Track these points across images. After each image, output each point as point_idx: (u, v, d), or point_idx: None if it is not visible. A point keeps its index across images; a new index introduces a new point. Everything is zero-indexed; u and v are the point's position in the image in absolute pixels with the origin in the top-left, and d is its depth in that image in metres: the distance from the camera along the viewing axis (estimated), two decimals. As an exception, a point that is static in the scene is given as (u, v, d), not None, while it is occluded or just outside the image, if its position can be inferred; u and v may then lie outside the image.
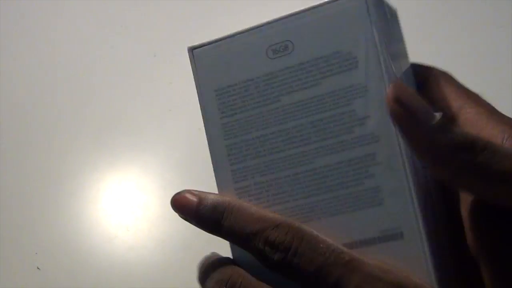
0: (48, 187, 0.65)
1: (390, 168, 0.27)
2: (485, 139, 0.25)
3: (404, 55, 0.32)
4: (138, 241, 0.61)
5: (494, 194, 0.25)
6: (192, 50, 0.32)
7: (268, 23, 0.30)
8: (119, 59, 0.74)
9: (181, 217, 0.29)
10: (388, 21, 0.30)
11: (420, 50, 0.73)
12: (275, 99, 0.29)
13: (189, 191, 0.30)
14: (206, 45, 0.32)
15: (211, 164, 0.30)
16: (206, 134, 0.30)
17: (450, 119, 0.28)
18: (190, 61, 0.31)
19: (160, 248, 0.60)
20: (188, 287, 0.58)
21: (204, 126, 0.30)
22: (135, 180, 0.65)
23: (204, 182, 0.65)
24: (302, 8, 0.29)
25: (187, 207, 0.29)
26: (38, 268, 0.59)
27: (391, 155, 0.27)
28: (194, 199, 0.29)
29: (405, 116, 0.25)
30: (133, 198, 0.64)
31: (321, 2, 0.29)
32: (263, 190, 0.29)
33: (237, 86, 0.30)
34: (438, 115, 0.25)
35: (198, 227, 0.29)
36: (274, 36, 0.29)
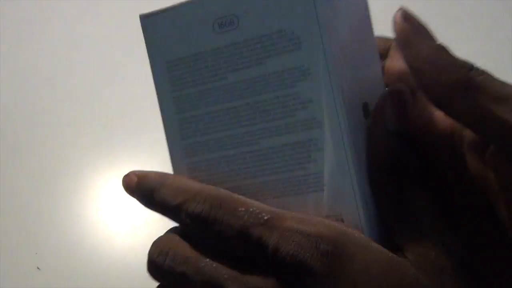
0: (48, 187, 0.65)
1: (331, 155, 0.26)
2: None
3: (372, 54, 0.30)
4: (138, 241, 0.61)
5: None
6: (143, 18, 0.31)
7: None
8: (119, 59, 0.74)
9: (130, 195, 0.31)
10: (344, 11, 0.28)
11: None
12: (222, 76, 0.28)
13: (133, 172, 0.31)
14: (155, 14, 0.30)
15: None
16: (159, 107, 0.29)
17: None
18: (143, 30, 0.31)
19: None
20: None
21: (157, 98, 0.30)
22: (135, 180, 0.65)
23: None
24: None
25: (130, 185, 0.30)
26: (38, 268, 0.60)
27: (333, 141, 0.26)
28: (135, 177, 0.30)
29: (412, 33, 0.25)
30: (133, 198, 0.64)
31: None
32: (212, 167, 0.28)
33: (186, 59, 0.29)
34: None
35: (140, 202, 0.31)
36: (220, 9, 0.28)
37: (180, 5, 0.29)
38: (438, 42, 0.26)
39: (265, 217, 0.25)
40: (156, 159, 0.70)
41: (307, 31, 0.27)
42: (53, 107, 0.71)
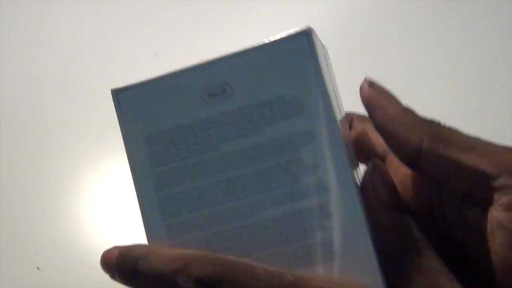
0: (48, 187, 0.65)
1: (343, 220, 0.25)
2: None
3: (338, 95, 0.30)
4: (138, 242, 0.61)
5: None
6: (116, 93, 0.29)
7: (203, 64, 0.27)
8: (119, 59, 0.74)
9: (110, 276, 0.27)
10: (326, 60, 0.28)
11: (419, 51, 0.73)
12: (213, 146, 0.26)
13: (116, 246, 0.28)
14: (132, 87, 0.28)
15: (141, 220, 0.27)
16: (134, 185, 0.27)
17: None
18: (115, 105, 0.29)
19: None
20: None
21: (132, 176, 0.27)
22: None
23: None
24: (240, 48, 0.27)
25: (109, 261, 0.27)
26: (38, 268, 0.60)
27: (344, 206, 0.25)
28: (115, 251, 0.27)
29: (379, 97, 0.26)
30: (133, 198, 0.64)
31: (261, 42, 0.27)
32: (202, 246, 0.26)
33: (169, 133, 0.27)
34: None
35: (122, 283, 0.27)
36: (210, 78, 0.27)
37: (165, 77, 0.28)
38: (403, 104, 0.27)
39: (290, 278, 0.23)
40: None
41: (309, 95, 0.26)
42: (53, 107, 0.71)
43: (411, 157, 0.26)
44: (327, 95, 0.26)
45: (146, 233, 0.28)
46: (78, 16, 0.79)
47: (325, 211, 0.25)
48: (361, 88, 0.27)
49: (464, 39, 0.71)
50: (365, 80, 0.27)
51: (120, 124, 0.28)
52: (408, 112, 0.27)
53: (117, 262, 0.27)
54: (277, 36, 0.27)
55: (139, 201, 0.28)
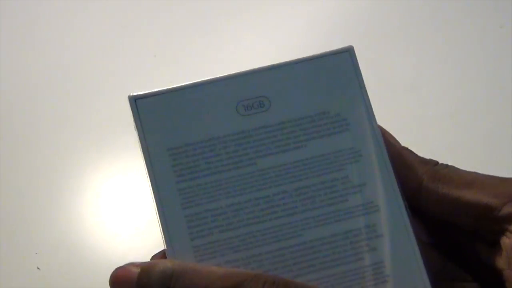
0: (48, 187, 0.65)
1: (394, 241, 0.24)
2: None
3: None
4: (139, 242, 0.61)
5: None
6: (135, 100, 0.27)
7: (238, 75, 0.26)
8: (119, 59, 0.74)
9: None
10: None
11: (419, 51, 0.73)
12: (250, 161, 0.25)
13: (132, 263, 0.24)
14: (155, 96, 0.26)
15: (164, 241, 0.25)
16: (155, 201, 0.25)
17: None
18: (133, 112, 0.26)
19: (160, 248, 0.59)
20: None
21: (152, 191, 0.25)
22: (136, 180, 0.65)
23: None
24: (278, 62, 0.26)
25: (125, 280, 0.24)
26: (38, 268, 0.59)
27: (395, 226, 0.24)
28: (135, 270, 0.24)
29: None
30: (133, 198, 0.64)
31: (301, 57, 0.26)
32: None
33: (198, 145, 0.25)
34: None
35: None
36: (246, 91, 0.25)
37: (190, 86, 0.26)
38: (401, 144, 0.27)
39: None
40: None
41: (354, 112, 0.25)
42: (53, 107, 0.71)
43: (412, 198, 0.26)
44: (372, 113, 0.25)
45: (169, 255, 0.25)
46: (78, 16, 0.79)
47: (374, 231, 0.24)
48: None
49: (464, 39, 0.71)
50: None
51: (139, 133, 0.26)
52: (407, 151, 0.27)
53: (140, 281, 0.24)
54: (318, 53, 0.26)
55: (160, 219, 0.25)
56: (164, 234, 0.25)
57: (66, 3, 0.79)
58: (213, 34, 0.75)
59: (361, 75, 0.26)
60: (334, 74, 0.26)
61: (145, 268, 0.24)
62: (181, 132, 0.25)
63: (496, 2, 0.72)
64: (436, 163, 0.27)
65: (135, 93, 0.27)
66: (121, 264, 0.59)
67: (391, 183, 0.25)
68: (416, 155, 0.27)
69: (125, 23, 0.77)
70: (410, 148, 0.28)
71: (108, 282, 0.25)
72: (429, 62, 0.70)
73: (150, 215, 0.60)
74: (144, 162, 0.26)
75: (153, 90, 0.27)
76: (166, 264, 0.23)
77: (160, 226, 0.25)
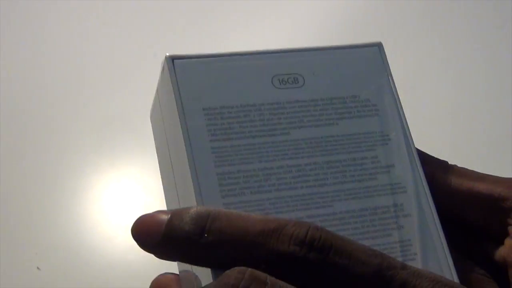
0: (48, 187, 0.65)
1: (420, 221, 0.25)
2: None
3: None
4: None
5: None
6: (172, 60, 0.27)
7: (275, 51, 0.27)
8: (119, 59, 0.74)
9: (144, 247, 0.22)
10: None
11: (419, 51, 0.73)
12: (284, 131, 0.25)
13: (160, 210, 0.22)
14: (193, 58, 0.26)
15: (178, 202, 0.24)
16: (188, 158, 0.24)
17: None
18: (169, 71, 0.26)
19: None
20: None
21: (185, 148, 0.24)
22: (135, 180, 0.65)
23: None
24: (313, 46, 0.27)
25: (156, 227, 0.21)
26: (38, 268, 0.59)
27: (420, 207, 0.25)
28: (165, 216, 0.22)
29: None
30: (133, 198, 0.64)
31: (335, 45, 0.28)
32: None
33: (234, 109, 0.25)
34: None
35: (167, 255, 0.22)
36: (282, 66, 0.26)
37: (228, 54, 0.26)
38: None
39: (400, 264, 0.21)
40: (157, 159, 0.70)
41: (383, 100, 0.27)
42: (53, 107, 0.71)
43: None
44: (399, 102, 0.27)
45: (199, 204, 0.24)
46: (78, 16, 0.79)
47: (402, 210, 0.25)
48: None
49: (464, 39, 0.71)
50: None
51: (174, 91, 0.25)
52: (420, 152, 0.28)
53: (170, 223, 0.21)
54: (350, 43, 0.28)
55: (192, 175, 0.24)
56: (195, 191, 0.24)
57: (67, 3, 0.79)
58: (213, 34, 0.75)
59: (389, 67, 0.28)
60: (365, 63, 0.28)
61: (176, 212, 0.22)
62: (217, 94, 0.26)
63: (496, 2, 0.72)
64: (447, 163, 0.28)
65: (173, 53, 0.27)
66: (120, 265, 0.59)
67: (417, 168, 0.26)
68: (429, 154, 0.28)
69: (125, 23, 0.77)
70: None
71: (131, 232, 0.23)
72: (429, 62, 0.70)
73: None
74: (178, 119, 0.25)
75: (191, 53, 0.27)
76: (200, 207, 0.22)
77: (192, 183, 0.24)
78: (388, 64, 0.28)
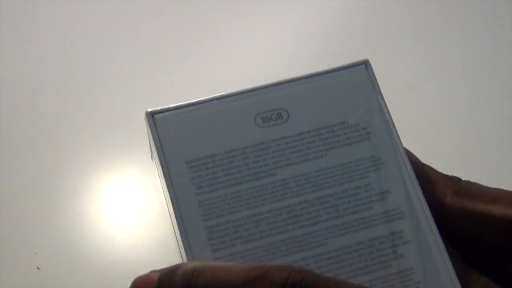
0: (48, 187, 0.65)
1: (422, 246, 0.24)
2: None
3: None
4: (138, 241, 0.61)
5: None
6: (152, 115, 0.27)
7: (256, 89, 0.26)
8: (119, 59, 0.74)
9: None
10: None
11: (418, 51, 0.73)
12: (270, 172, 0.25)
13: (153, 270, 0.24)
14: (172, 110, 0.27)
15: (180, 254, 0.25)
16: (175, 215, 0.25)
17: None
18: (150, 127, 0.27)
19: (160, 248, 0.59)
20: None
21: (171, 205, 0.25)
22: (135, 180, 0.65)
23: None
24: (294, 76, 0.26)
25: (148, 282, 0.24)
26: (38, 268, 0.59)
27: (420, 232, 0.24)
28: (155, 274, 0.24)
29: None
30: (133, 198, 0.64)
31: (318, 71, 0.27)
32: None
33: (217, 157, 0.25)
34: None
35: None
36: (264, 103, 0.26)
37: (207, 100, 0.26)
38: (422, 162, 0.27)
39: None
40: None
41: (374, 121, 0.26)
42: (53, 107, 0.71)
43: (436, 214, 0.26)
44: (391, 121, 0.26)
45: None
46: (77, 16, 0.79)
47: (401, 238, 0.24)
48: None
49: (464, 39, 0.71)
50: None
51: (156, 148, 0.26)
52: (429, 168, 0.27)
53: (160, 281, 0.23)
54: (334, 66, 0.27)
55: (180, 232, 0.24)
56: (184, 247, 0.24)
57: (67, 3, 0.79)
58: (213, 34, 0.75)
59: (378, 85, 0.27)
60: (352, 86, 0.26)
61: (165, 271, 0.23)
62: (199, 144, 0.25)
63: (496, 2, 0.72)
64: (459, 179, 0.27)
65: (152, 109, 0.27)
66: (120, 264, 0.59)
67: (415, 190, 0.25)
68: (438, 171, 0.27)
69: (125, 23, 0.77)
70: (409, 147, 0.28)
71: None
72: (429, 62, 0.69)
73: (148, 215, 0.60)
74: (163, 176, 0.25)
75: (170, 106, 0.27)
76: (187, 263, 0.23)
77: (180, 240, 0.24)
78: (376, 82, 0.27)
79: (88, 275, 0.59)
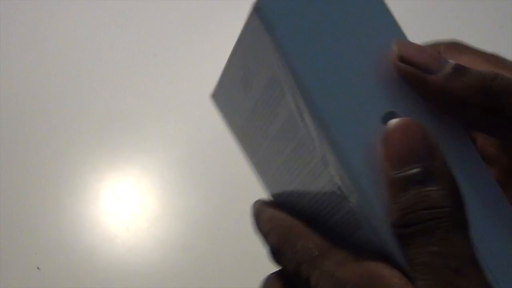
0: (48, 187, 0.65)
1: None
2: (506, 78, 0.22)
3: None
4: (138, 241, 0.61)
5: None
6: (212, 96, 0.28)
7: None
8: (119, 59, 0.74)
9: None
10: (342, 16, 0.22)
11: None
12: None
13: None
14: (216, 88, 0.28)
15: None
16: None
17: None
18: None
19: (160, 248, 0.59)
20: (188, 287, 0.58)
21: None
22: (135, 180, 0.65)
23: (203, 181, 0.65)
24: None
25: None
26: (38, 268, 0.59)
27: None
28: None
29: (414, 72, 0.23)
30: (133, 198, 0.64)
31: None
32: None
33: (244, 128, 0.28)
34: (451, 62, 0.23)
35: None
36: (239, 70, 0.26)
37: (224, 69, 0.26)
38: (448, 64, 0.24)
39: (314, 254, 0.23)
40: (156, 159, 0.70)
41: (284, 79, 0.22)
42: (53, 107, 0.71)
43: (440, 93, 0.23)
44: (300, 73, 0.20)
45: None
46: (77, 16, 0.79)
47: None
48: (393, 60, 0.24)
49: (464, 39, 0.71)
50: (396, 48, 0.25)
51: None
52: (452, 83, 0.23)
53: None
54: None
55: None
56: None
57: (67, 3, 0.79)
58: (213, 34, 0.75)
59: (284, 29, 0.20)
60: (255, 39, 0.22)
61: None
62: (235, 116, 0.27)
63: (496, 2, 0.72)
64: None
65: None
66: (121, 270, 0.59)
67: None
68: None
69: (125, 23, 0.77)
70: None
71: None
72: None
73: (148, 215, 0.60)
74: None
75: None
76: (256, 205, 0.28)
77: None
78: (274, 29, 0.21)
79: (88, 275, 0.59)
